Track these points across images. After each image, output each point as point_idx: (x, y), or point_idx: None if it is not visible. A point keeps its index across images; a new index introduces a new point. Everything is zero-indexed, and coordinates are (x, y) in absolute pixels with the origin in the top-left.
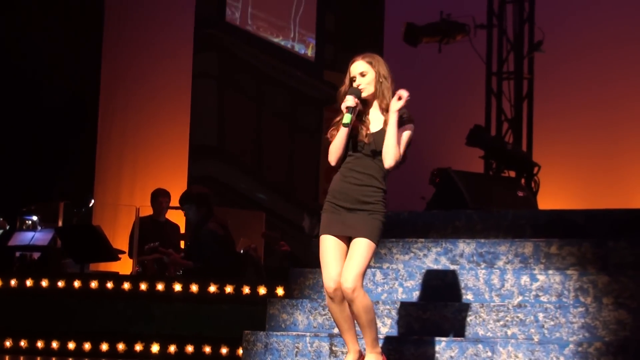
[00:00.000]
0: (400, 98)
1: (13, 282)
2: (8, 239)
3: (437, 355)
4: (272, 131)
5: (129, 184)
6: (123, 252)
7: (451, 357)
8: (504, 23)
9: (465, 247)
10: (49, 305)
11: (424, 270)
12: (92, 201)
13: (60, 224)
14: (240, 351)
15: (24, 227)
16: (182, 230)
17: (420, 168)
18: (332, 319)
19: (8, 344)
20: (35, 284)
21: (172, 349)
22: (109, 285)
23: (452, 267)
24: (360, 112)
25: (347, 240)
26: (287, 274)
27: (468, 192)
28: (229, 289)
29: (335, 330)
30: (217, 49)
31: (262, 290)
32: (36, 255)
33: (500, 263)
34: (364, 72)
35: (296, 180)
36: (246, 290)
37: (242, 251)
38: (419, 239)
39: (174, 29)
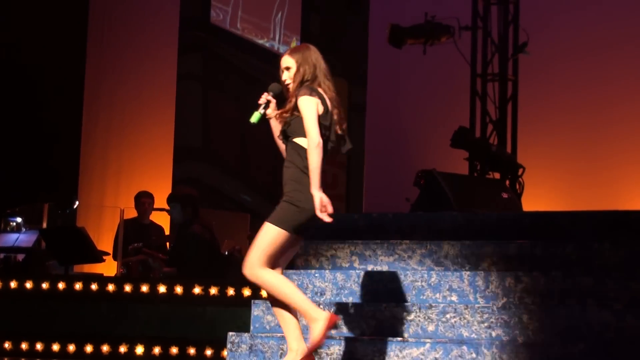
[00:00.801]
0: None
1: (12, 284)
2: None
3: (421, 357)
4: (257, 132)
5: (113, 185)
6: (107, 254)
7: (436, 358)
8: (488, 25)
9: (449, 248)
10: (33, 307)
11: (408, 272)
12: (77, 203)
13: (44, 225)
14: (225, 353)
15: (8, 228)
16: (167, 232)
17: (405, 169)
18: None
19: (7, 346)
20: (19, 285)
21: (156, 350)
22: (93, 287)
23: (436, 268)
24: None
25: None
26: None
27: (453, 194)
28: (213, 290)
29: None
30: (201, 50)
31: (246, 292)
32: (20, 256)
33: (484, 265)
34: (288, 67)
35: (280, 181)
36: (231, 291)
37: (226, 253)
38: (404, 241)
39: (158, 29)
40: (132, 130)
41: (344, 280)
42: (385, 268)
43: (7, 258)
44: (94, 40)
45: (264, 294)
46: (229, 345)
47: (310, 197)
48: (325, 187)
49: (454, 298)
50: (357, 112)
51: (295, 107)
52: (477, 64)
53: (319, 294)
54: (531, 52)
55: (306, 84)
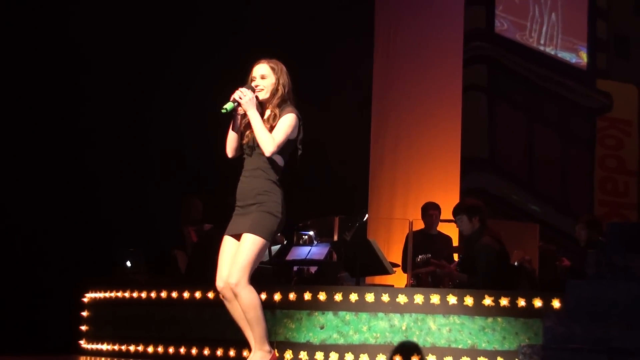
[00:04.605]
0: (234, 100)
1: (291, 296)
2: (286, 253)
3: None
4: (544, 142)
5: (402, 197)
6: (397, 266)
7: None
8: None
9: None
10: (327, 318)
11: None
12: (367, 215)
13: (335, 238)
14: None
15: (301, 241)
16: (455, 243)
17: None
18: None
19: (288, 356)
20: (312, 297)
21: None
22: (385, 298)
23: None
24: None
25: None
26: (562, 286)
27: None
28: (504, 301)
29: (615, 344)
30: (486, 60)
31: (537, 303)
32: (313, 269)
33: None
34: (264, 75)
35: (570, 191)
36: (521, 302)
37: (516, 263)
38: None
39: (443, 42)
40: (420, 142)
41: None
42: None
43: (300, 270)
44: (380, 54)
45: (555, 305)
46: (520, 357)
47: (282, 207)
48: (616, 195)
49: None
50: None
51: (274, 120)
52: None
53: (611, 305)
54: None
55: (286, 102)
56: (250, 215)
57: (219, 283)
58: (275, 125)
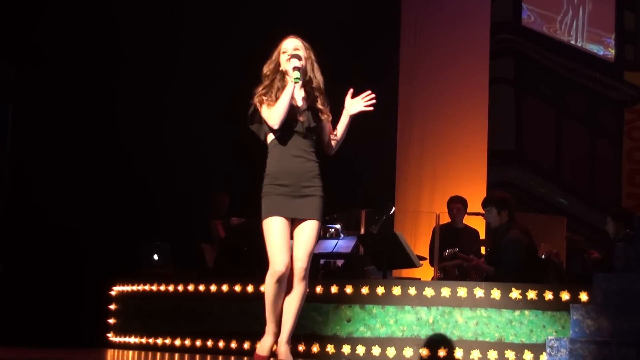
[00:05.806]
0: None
1: (318, 289)
2: None
3: None
4: (572, 134)
5: (428, 190)
6: (424, 259)
7: None
8: None
9: None
10: (354, 311)
11: None
12: (393, 208)
13: (362, 231)
14: (543, 357)
15: (328, 235)
16: (482, 236)
17: None
18: (266, 300)
19: (315, 349)
20: (339, 290)
21: (474, 354)
22: (411, 291)
23: None
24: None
25: (291, 222)
26: (590, 279)
27: None
28: (531, 294)
29: None
30: (513, 53)
31: (565, 296)
32: (340, 262)
33: None
34: (297, 48)
35: (597, 184)
36: (549, 295)
37: (543, 256)
38: None
39: (469, 35)
40: (446, 135)
41: None
42: None
43: (327, 263)
44: (406, 48)
45: (582, 297)
46: (548, 350)
47: None
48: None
49: None
50: None
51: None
52: None
53: (639, 298)
54: None
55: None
56: (311, 200)
57: (281, 267)
58: (327, 111)
